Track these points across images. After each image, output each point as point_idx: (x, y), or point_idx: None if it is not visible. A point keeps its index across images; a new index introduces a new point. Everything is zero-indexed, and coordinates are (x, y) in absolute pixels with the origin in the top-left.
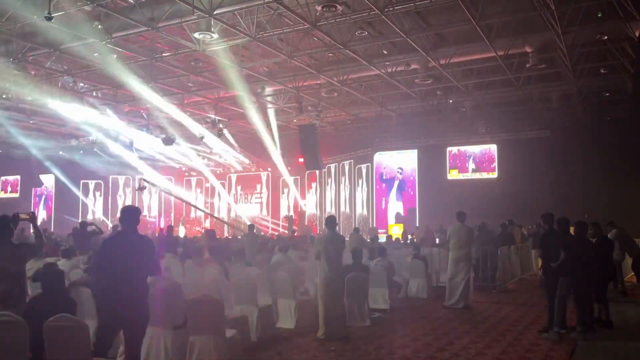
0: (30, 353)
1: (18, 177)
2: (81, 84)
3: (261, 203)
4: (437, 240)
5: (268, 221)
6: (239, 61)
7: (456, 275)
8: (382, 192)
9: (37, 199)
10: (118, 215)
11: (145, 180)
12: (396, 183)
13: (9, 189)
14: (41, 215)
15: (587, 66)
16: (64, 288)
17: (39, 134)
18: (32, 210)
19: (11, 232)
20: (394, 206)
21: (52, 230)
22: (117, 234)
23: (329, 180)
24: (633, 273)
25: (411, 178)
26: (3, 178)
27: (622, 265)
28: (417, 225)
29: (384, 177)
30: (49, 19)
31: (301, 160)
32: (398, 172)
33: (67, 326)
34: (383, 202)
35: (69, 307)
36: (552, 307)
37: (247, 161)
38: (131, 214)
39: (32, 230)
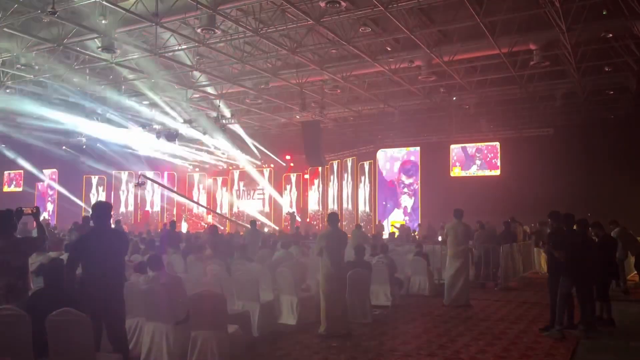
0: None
1: (21, 171)
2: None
3: (263, 199)
4: (440, 238)
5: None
6: (243, 57)
7: (454, 272)
8: (383, 195)
9: (40, 193)
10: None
11: (144, 176)
12: (403, 197)
13: (13, 183)
14: (45, 210)
15: (591, 64)
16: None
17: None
18: (35, 205)
19: (14, 226)
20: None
21: (55, 224)
22: (90, 229)
23: (332, 177)
24: (635, 272)
25: (413, 179)
26: (7, 172)
27: (625, 264)
28: (419, 222)
29: (386, 185)
30: (53, 13)
31: (304, 156)
32: (400, 181)
33: (70, 320)
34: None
35: (72, 301)
36: (554, 305)
37: (248, 157)
38: (103, 209)
39: (34, 225)
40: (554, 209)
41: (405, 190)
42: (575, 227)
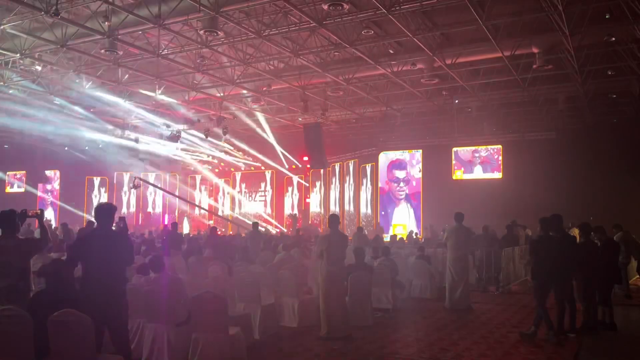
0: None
1: (24, 172)
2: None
3: (265, 201)
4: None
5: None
6: (245, 59)
7: (456, 276)
8: (385, 200)
9: (42, 194)
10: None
11: (139, 178)
12: (402, 203)
13: (16, 184)
14: (49, 213)
15: (594, 68)
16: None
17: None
18: (39, 208)
19: (17, 227)
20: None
21: (57, 225)
22: (91, 231)
23: (333, 179)
24: (638, 276)
25: (414, 184)
26: (10, 173)
27: (627, 268)
28: (421, 225)
29: (387, 193)
30: (56, 14)
31: (306, 158)
32: (401, 188)
33: (71, 321)
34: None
35: (73, 302)
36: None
37: (249, 160)
38: (105, 211)
39: (37, 226)
40: (555, 212)
41: (402, 195)
42: (548, 230)
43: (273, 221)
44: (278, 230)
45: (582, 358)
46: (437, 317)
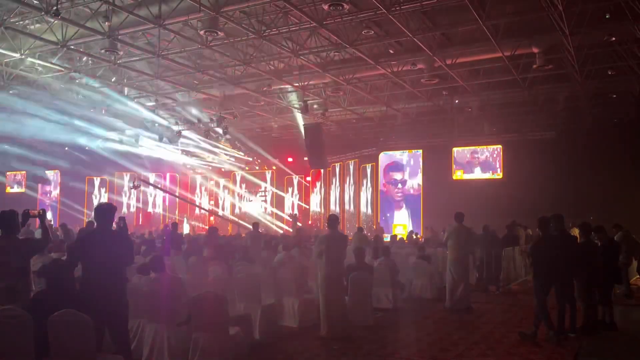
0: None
1: (24, 172)
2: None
3: (265, 201)
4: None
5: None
6: (245, 59)
7: (456, 276)
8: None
9: (42, 194)
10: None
11: (139, 178)
12: (402, 208)
13: (15, 184)
14: (48, 213)
15: (594, 68)
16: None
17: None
18: (41, 208)
19: (17, 228)
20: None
21: (57, 225)
22: (91, 231)
23: (334, 179)
24: (638, 276)
25: (415, 187)
26: (10, 173)
27: (628, 268)
28: (421, 225)
29: (386, 195)
30: (57, 14)
31: (306, 158)
32: (399, 189)
33: (72, 321)
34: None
35: (73, 302)
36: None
37: (250, 160)
38: (105, 211)
39: (37, 226)
40: (555, 212)
41: (400, 195)
42: (548, 230)
43: (273, 222)
44: (282, 230)
45: (582, 358)
46: (438, 317)
